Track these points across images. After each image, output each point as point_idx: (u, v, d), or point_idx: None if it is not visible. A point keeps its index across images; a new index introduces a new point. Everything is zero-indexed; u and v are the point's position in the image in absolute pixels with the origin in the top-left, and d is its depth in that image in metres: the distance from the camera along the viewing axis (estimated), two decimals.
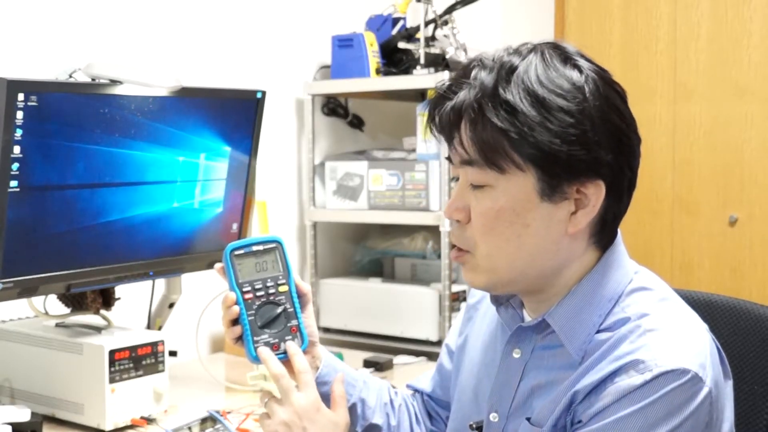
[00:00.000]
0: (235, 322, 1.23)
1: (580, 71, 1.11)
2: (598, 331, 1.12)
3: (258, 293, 1.23)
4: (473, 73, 1.11)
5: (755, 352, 1.42)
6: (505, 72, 1.09)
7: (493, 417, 1.20)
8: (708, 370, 1.07)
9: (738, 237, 3.22)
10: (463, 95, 1.09)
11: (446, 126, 1.12)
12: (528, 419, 1.15)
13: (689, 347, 1.08)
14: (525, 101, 1.07)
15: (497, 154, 1.08)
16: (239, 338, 1.23)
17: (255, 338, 1.21)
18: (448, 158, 1.16)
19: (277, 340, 1.22)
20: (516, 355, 1.19)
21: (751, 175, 3.19)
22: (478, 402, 1.25)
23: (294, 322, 1.24)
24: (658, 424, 1.04)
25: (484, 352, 1.28)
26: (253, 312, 1.22)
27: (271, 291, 1.24)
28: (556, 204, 1.10)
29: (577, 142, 1.07)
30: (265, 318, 1.22)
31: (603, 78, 1.13)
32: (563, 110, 1.07)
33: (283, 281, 1.25)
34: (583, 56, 1.14)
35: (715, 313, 1.45)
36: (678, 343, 1.07)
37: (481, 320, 1.32)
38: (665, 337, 1.08)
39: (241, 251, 1.24)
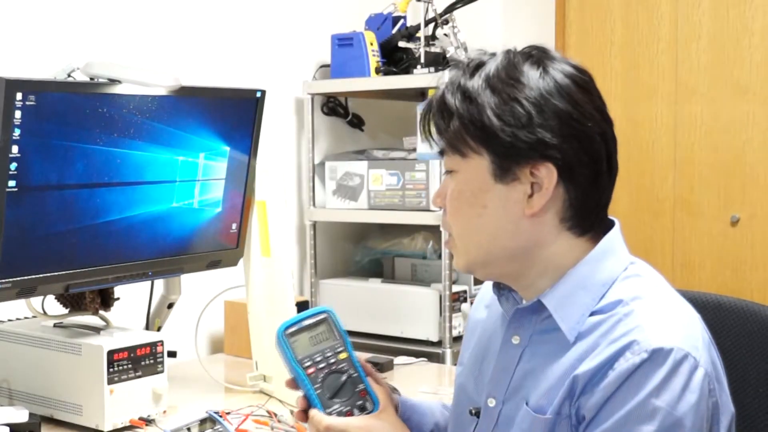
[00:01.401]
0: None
1: (540, 66, 1.17)
2: (592, 314, 1.15)
3: (320, 365, 1.23)
4: (449, 73, 1.23)
5: (761, 354, 1.41)
6: (472, 68, 1.18)
7: (490, 402, 1.22)
8: (702, 352, 1.09)
9: (739, 237, 3.21)
10: (436, 92, 1.21)
11: (423, 121, 1.21)
12: (526, 404, 1.16)
13: (683, 327, 1.11)
14: (480, 89, 1.15)
15: (456, 139, 1.17)
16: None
17: (327, 410, 1.21)
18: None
19: (349, 407, 1.22)
20: (515, 341, 1.22)
21: (753, 175, 3.18)
22: (478, 389, 1.27)
23: (361, 386, 1.24)
24: (658, 404, 1.05)
25: (485, 343, 1.30)
26: (320, 384, 1.22)
27: (332, 360, 1.24)
28: (508, 185, 1.16)
29: (520, 125, 1.13)
30: (332, 388, 1.22)
31: (564, 72, 1.17)
32: (510, 96, 1.14)
33: (341, 348, 1.25)
34: (554, 58, 1.19)
35: (723, 314, 1.45)
36: (671, 323, 1.11)
37: (484, 318, 1.35)
38: (658, 317, 1.11)
39: (293, 329, 1.24)
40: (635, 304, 1.12)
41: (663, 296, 1.16)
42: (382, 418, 1.23)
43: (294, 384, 1.24)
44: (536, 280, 1.19)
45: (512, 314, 1.22)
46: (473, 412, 1.25)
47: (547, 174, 1.14)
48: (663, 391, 1.06)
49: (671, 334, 1.09)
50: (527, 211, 1.15)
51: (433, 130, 1.20)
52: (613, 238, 1.20)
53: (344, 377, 1.23)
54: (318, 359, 1.23)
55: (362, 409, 1.22)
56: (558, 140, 1.13)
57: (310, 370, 1.22)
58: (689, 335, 1.10)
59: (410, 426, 1.32)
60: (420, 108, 1.23)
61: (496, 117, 1.13)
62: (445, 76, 1.25)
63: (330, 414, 1.20)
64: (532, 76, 1.15)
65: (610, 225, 1.21)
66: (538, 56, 1.17)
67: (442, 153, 1.22)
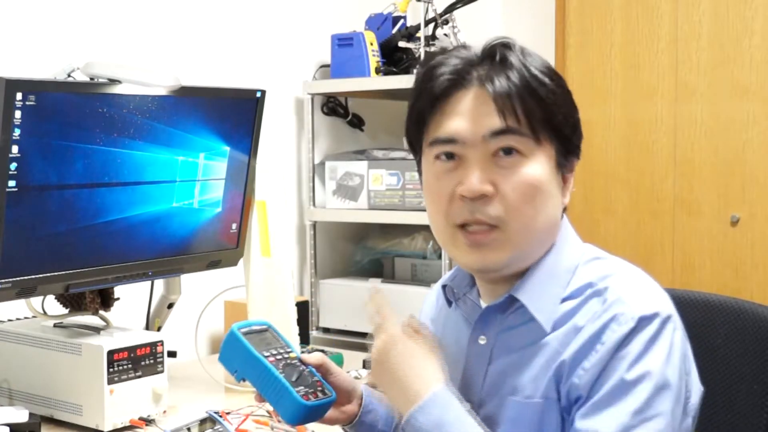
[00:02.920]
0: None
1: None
2: (562, 301, 1.15)
3: (277, 357, 1.28)
4: (503, 52, 1.14)
5: (753, 351, 1.42)
6: (524, 53, 1.15)
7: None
8: (677, 316, 1.12)
9: (739, 237, 3.21)
10: (518, 66, 1.12)
11: (502, 94, 1.11)
12: (511, 398, 1.15)
13: (658, 294, 1.14)
14: (549, 77, 1.14)
15: (544, 123, 1.12)
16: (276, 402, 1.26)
17: (296, 389, 1.25)
18: (445, 140, 1.15)
19: (313, 390, 1.26)
20: (482, 341, 1.20)
21: (753, 174, 3.18)
22: None
23: (316, 378, 1.29)
24: (649, 366, 1.07)
25: (445, 354, 1.28)
26: (281, 370, 1.26)
27: (285, 356, 1.29)
28: (559, 178, 1.17)
29: (578, 122, 1.17)
30: (293, 376, 1.26)
31: None
32: (568, 92, 1.17)
33: (290, 350, 1.31)
34: None
35: (714, 312, 1.45)
36: (647, 291, 1.13)
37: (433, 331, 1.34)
38: (633, 288, 1.13)
39: (245, 329, 1.30)
40: (606, 282, 1.14)
41: (629, 271, 1.17)
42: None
43: (261, 398, 1.27)
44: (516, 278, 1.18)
45: (480, 314, 1.21)
46: None
47: (572, 168, 1.19)
48: (651, 352, 1.07)
49: (651, 301, 1.11)
50: (565, 201, 1.18)
51: (518, 105, 1.11)
52: (567, 228, 1.22)
53: (301, 368, 1.28)
54: (274, 353, 1.28)
55: (323, 393, 1.27)
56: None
57: (271, 359, 1.27)
58: (665, 301, 1.13)
59: (376, 415, 1.34)
60: (498, 82, 1.11)
61: (572, 110, 1.16)
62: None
63: (301, 394, 1.23)
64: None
65: None
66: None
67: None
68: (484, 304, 1.22)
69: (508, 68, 1.12)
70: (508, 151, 1.12)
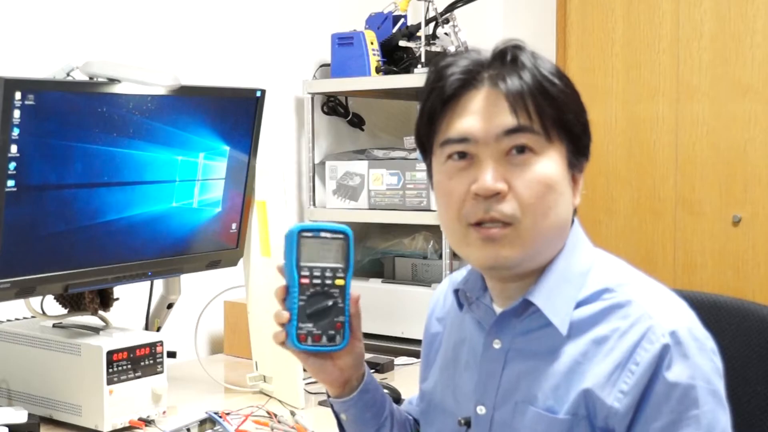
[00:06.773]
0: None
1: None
2: (578, 305, 1.14)
3: (314, 280, 1.19)
4: (517, 53, 1.14)
5: (759, 352, 1.41)
6: (534, 56, 1.15)
7: (480, 410, 1.20)
8: (700, 325, 1.12)
9: (741, 237, 3.20)
10: (529, 66, 1.12)
11: (514, 93, 1.11)
12: (532, 405, 1.14)
13: (681, 305, 1.13)
14: (559, 78, 1.14)
15: (555, 121, 1.12)
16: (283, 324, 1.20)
17: (300, 324, 1.18)
18: (457, 139, 1.13)
19: (320, 332, 1.19)
20: (497, 345, 1.19)
21: (755, 174, 3.17)
22: (460, 400, 1.25)
23: (341, 318, 1.21)
24: (699, 384, 1.06)
25: (452, 355, 1.29)
26: (305, 298, 1.18)
27: (328, 281, 1.20)
28: (571, 177, 1.16)
29: (587, 123, 1.17)
30: (314, 307, 1.18)
31: None
32: (576, 91, 1.16)
33: (342, 275, 1.21)
34: None
35: (720, 313, 1.45)
36: (671, 304, 1.13)
37: (441, 331, 1.34)
38: (658, 301, 1.12)
39: (309, 234, 1.19)
40: (626, 291, 1.12)
41: (646, 280, 1.17)
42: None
43: (284, 292, 1.19)
44: (529, 279, 1.17)
45: (495, 320, 1.19)
46: (462, 422, 1.22)
47: (582, 169, 1.17)
48: (696, 371, 1.06)
49: (678, 314, 1.10)
50: (576, 202, 1.17)
51: (530, 103, 1.11)
52: (578, 231, 1.20)
53: (330, 302, 1.20)
54: (316, 273, 1.19)
55: (330, 339, 1.20)
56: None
57: (304, 280, 1.18)
58: (689, 311, 1.12)
59: (373, 401, 1.31)
60: (509, 81, 1.11)
61: (582, 111, 1.16)
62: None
63: (300, 330, 1.17)
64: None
65: None
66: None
67: (516, 130, 1.11)
68: (497, 309, 1.20)
69: (520, 68, 1.12)
70: (521, 149, 1.11)
